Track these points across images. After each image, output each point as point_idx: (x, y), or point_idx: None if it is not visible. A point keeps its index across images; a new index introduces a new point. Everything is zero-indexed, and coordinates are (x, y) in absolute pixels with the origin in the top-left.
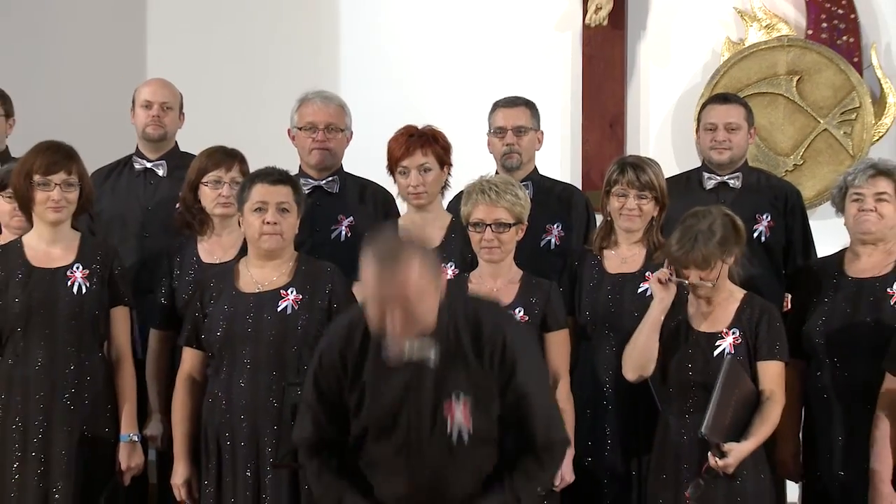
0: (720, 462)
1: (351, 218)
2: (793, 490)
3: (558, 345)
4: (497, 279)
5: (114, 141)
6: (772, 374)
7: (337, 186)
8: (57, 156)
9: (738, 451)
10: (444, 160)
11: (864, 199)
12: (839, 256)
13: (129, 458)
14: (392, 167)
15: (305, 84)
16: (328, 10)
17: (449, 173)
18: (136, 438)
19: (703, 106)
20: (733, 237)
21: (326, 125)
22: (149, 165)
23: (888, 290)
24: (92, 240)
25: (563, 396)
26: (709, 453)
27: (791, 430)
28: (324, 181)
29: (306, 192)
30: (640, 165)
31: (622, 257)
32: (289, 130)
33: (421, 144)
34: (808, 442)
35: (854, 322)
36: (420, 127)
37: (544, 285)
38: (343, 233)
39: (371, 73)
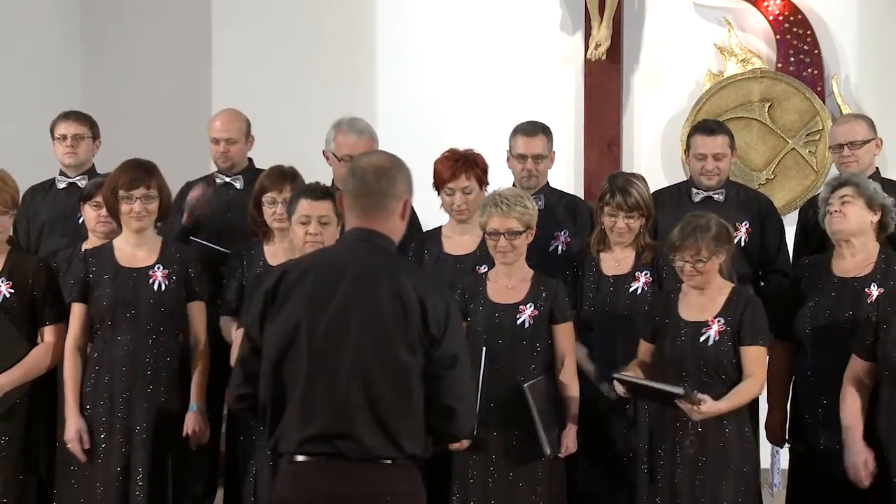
0: (694, 407)
1: None
2: (764, 457)
3: (564, 333)
4: (511, 278)
5: (184, 155)
6: (752, 357)
7: None
8: (138, 173)
9: (707, 407)
10: (482, 181)
11: (832, 205)
12: (828, 256)
13: (193, 425)
14: (438, 187)
15: (348, 109)
16: (367, 50)
17: (486, 191)
18: (202, 409)
19: (693, 133)
20: (724, 237)
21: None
22: (228, 180)
23: (866, 289)
24: (172, 244)
25: (570, 375)
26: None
27: (779, 402)
28: None
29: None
30: (626, 189)
31: (616, 260)
32: (324, 151)
33: (465, 170)
34: (793, 415)
35: (836, 317)
36: (462, 150)
37: (552, 283)
38: None
39: (402, 100)
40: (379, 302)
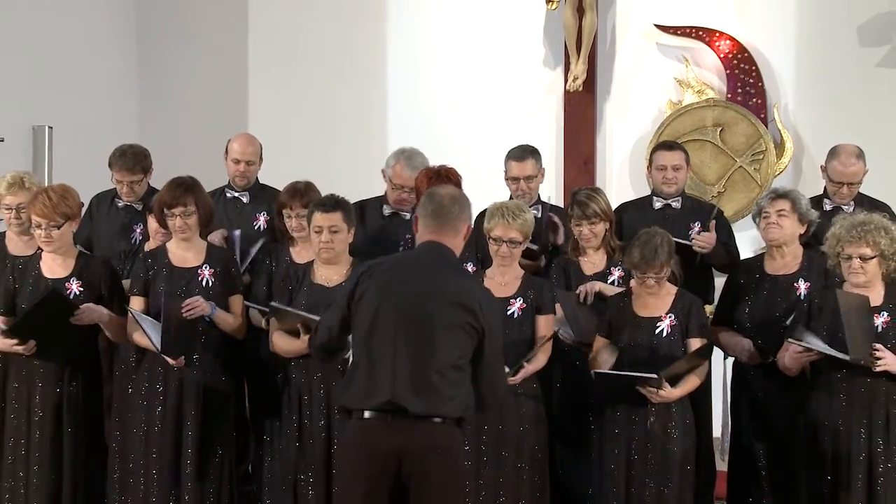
0: (658, 391)
1: (410, 235)
2: (717, 427)
3: (545, 321)
4: (505, 275)
5: (223, 170)
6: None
7: (409, 215)
8: (176, 192)
9: (667, 392)
10: None
11: (770, 215)
12: (761, 257)
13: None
14: (418, 199)
15: (364, 130)
16: (379, 81)
17: None
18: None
19: (654, 150)
20: (673, 248)
21: (411, 188)
22: (237, 195)
23: (794, 284)
24: (216, 248)
25: (542, 353)
26: (648, 388)
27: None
28: (396, 209)
29: (387, 214)
30: (585, 202)
31: (592, 262)
32: (383, 171)
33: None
34: (734, 397)
35: (771, 310)
36: (437, 167)
37: (538, 282)
38: (404, 247)
39: (410, 125)
40: (437, 296)
